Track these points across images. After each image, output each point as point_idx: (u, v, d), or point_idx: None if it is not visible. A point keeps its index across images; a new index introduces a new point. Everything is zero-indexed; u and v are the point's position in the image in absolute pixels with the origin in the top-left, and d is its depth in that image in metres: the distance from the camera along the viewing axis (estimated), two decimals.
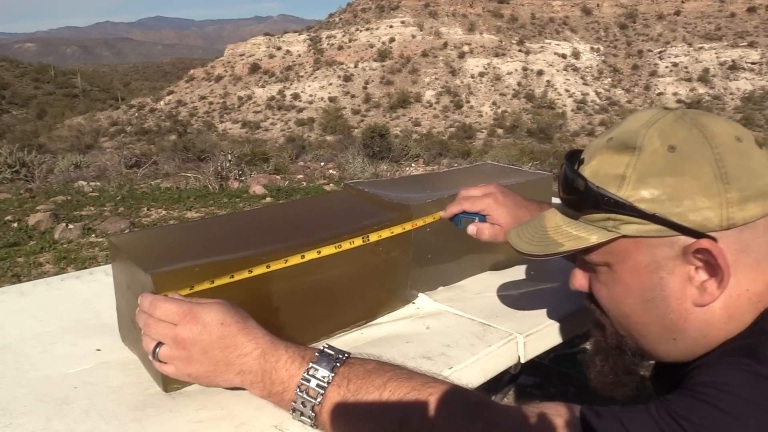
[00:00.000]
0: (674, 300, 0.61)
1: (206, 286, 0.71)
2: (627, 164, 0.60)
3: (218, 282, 0.72)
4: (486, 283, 1.08)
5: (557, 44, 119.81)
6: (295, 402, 0.62)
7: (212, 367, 0.65)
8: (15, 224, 5.12)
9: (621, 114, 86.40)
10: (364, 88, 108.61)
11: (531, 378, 2.46)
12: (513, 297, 1.02)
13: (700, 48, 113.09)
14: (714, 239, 0.57)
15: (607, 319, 0.69)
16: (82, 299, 0.99)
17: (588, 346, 2.92)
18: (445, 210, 0.96)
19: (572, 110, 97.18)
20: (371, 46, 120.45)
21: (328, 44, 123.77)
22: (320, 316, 0.86)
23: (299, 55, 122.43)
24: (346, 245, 0.84)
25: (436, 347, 0.84)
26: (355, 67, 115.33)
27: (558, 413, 0.56)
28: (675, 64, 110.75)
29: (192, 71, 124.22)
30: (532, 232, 0.71)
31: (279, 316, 0.79)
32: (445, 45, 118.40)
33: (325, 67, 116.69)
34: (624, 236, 0.60)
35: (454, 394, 0.60)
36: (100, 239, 4.70)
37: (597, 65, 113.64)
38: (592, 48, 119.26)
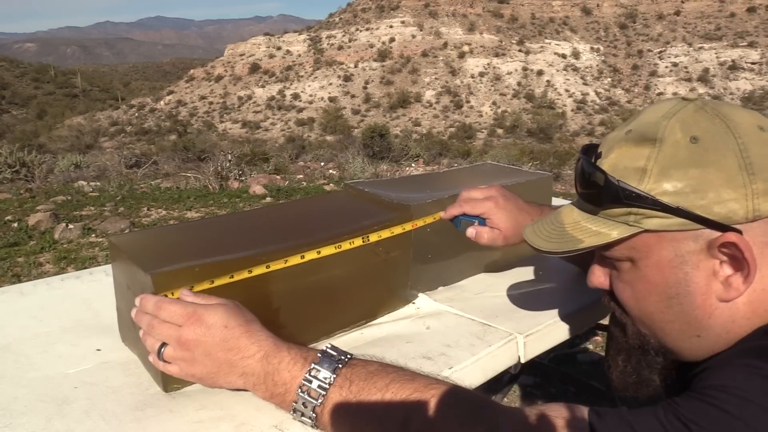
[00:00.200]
0: (699, 296, 0.59)
1: (206, 286, 0.71)
2: (648, 157, 0.58)
3: (218, 282, 0.72)
4: (486, 283, 1.08)
5: (557, 44, 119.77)
6: (296, 403, 0.62)
7: (215, 368, 0.65)
8: (15, 224, 5.12)
9: (621, 114, 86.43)
10: (364, 88, 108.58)
11: (531, 378, 2.46)
12: (513, 297, 1.02)
13: (700, 48, 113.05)
14: (740, 232, 0.56)
15: (629, 318, 0.67)
16: (82, 299, 0.99)
17: (589, 345, 2.91)
18: (446, 211, 0.96)
19: (572, 110, 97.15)
20: (371, 46, 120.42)
21: (328, 44, 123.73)
22: (320, 316, 0.86)
23: (299, 55, 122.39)
24: (346, 245, 0.84)
25: (436, 347, 0.84)
26: (355, 67, 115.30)
27: (560, 415, 0.56)
28: (675, 64, 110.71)
29: (192, 71, 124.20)
30: (549, 228, 0.69)
31: (279, 316, 0.79)
32: (445, 45, 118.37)
33: (325, 67, 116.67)
34: (646, 231, 0.59)
35: (457, 395, 0.60)
36: (100, 239, 4.69)
37: (597, 65, 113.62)
38: (592, 48, 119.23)
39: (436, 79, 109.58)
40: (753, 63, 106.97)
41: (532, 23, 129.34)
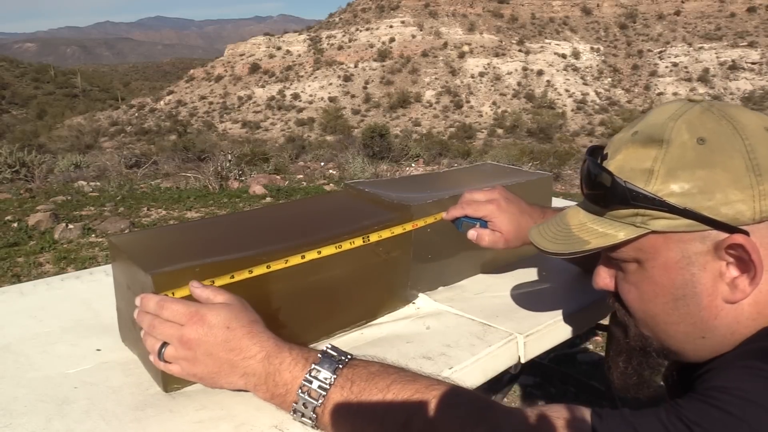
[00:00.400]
0: (705, 297, 0.59)
1: (208, 285, 0.71)
2: (654, 158, 0.58)
3: (218, 282, 0.72)
4: (486, 283, 1.08)
5: (557, 44, 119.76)
6: (296, 403, 0.62)
7: (216, 368, 0.65)
8: (15, 224, 5.12)
9: (621, 114, 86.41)
10: (364, 88, 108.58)
11: (531, 378, 2.46)
12: (513, 297, 1.02)
13: (700, 48, 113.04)
14: (746, 233, 0.56)
15: (632, 320, 0.67)
16: (82, 299, 0.99)
17: (589, 345, 2.91)
18: (448, 212, 0.96)
19: (572, 110, 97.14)
20: (371, 46, 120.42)
21: (328, 44, 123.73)
22: (320, 316, 0.86)
23: (299, 55, 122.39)
24: (346, 245, 0.84)
25: (436, 347, 0.84)
26: (355, 67, 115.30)
27: (561, 415, 0.56)
28: (675, 64, 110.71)
29: (192, 71, 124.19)
30: (555, 230, 0.69)
31: (279, 316, 0.78)
32: (445, 45, 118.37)
33: (325, 67, 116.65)
34: (653, 232, 0.59)
35: (459, 396, 0.60)
36: (100, 239, 4.69)
37: (597, 65, 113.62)
38: (592, 48, 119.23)
39: (436, 79, 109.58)
40: (753, 63, 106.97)
41: (532, 23, 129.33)
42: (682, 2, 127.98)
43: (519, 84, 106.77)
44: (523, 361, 0.89)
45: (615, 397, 1.46)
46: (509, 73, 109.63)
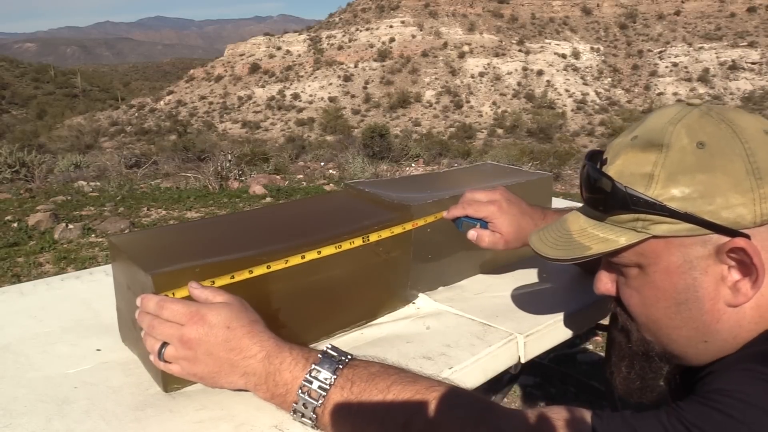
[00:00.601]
0: (708, 301, 0.59)
1: (207, 286, 0.71)
2: (654, 162, 0.58)
3: (219, 282, 0.72)
4: (486, 283, 1.08)
5: (557, 44, 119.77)
6: (296, 403, 0.62)
7: (217, 368, 0.65)
8: (15, 224, 5.12)
9: (621, 114, 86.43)
10: (364, 88, 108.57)
11: (531, 378, 2.46)
12: (513, 297, 1.02)
13: (700, 48, 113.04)
14: (748, 237, 0.56)
15: (634, 324, 0.67)
16: (82, 299, 0.99)
17: (589, 345, 2.91)
18: (448, 211, 0.96)
19: (572, 110, 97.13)
20: (371, 46, 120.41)
21: (328, 44, 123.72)
22: (320, 316, 0.86)
23: (299, 55, 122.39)
24: (346, 245, 0.84)
25: (436, 347, 0.84)
26: (355, 67, 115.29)
27: (562, 417, 0.56)
28: (675, 64, 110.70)
29: (192, 71, 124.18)
30: (556, 235, 0.68)
31: (279, 317, 0.79)
32: (445, 45, 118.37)
33: (325, 67, 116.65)
34: (654, 237, 0.59)
35: (459, 397, 0.60)
36: (100, 239, 4.69)
37: (597, 65, 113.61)
38: (592, 48, 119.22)
39: (436, 79, 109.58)
40: (753, 63, 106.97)
41: (532, 23, 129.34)
42: (682, 2, 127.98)
43: (519, 84, 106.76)
44: (523, 361, 0.89)
45: (615, 398, 1.46)
46: (509, 73, 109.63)
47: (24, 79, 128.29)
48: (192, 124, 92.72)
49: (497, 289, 1.06)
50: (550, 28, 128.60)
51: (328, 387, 0.62)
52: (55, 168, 9.73)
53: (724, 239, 0.57)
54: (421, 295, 1.01)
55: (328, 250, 0.82)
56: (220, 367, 0.65)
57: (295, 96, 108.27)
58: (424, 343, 0.85)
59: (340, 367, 0.63)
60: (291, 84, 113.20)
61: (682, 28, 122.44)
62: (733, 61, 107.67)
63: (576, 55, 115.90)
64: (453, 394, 0.60)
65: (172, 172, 9.52)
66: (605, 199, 0.61)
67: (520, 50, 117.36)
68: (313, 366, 0.63)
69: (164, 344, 0.66)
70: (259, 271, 0.75)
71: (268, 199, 6.63)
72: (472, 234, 0.94)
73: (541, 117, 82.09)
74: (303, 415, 0.62)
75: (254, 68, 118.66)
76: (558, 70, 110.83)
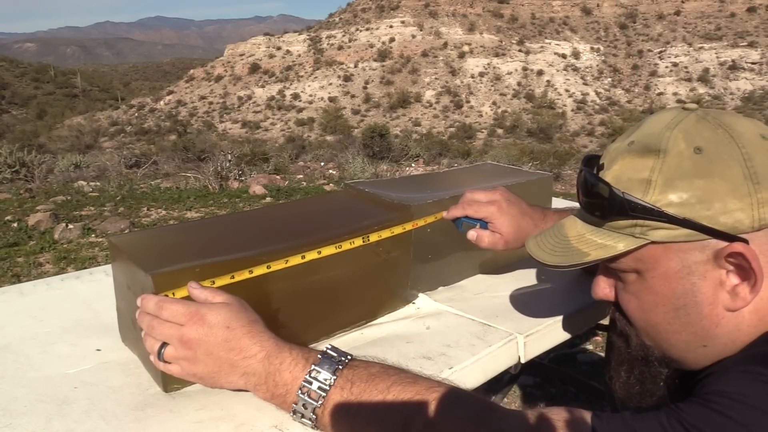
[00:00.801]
0: (706, 306, 0.59)
1: (206, 286, 0.71)
2: (652, 168, 0.58)
3: (219, 282, 0.72)
4: (486, 283, 1.08)
5: (557, 44, 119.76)
6: (296, 404, 0.62)
7: (217, 368, 0.65)
8: (15, 224, 5.12)
9: (621, 114, 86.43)
10: (364, 88, 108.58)
11: (531, 378, 2.46)
12: (513, 297, 1.02)
13: (700, 48, 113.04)
14: (746, 241, 0.56)
15: (633, 329, 0.67)
16: (82, 299, 0.99)
17: (589, 345, 2.91)
18: (448, 211, 0.96)
19: (572, 110, 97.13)
20: (371, 46, 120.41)
21: (328, 44, 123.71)
22: (321, 316, 0.86)
23: (299, 55, 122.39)
24: (346, 245, 0.84)
25: (436, 347, 0.84)
26: (355, 67, 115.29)
27: (562, 418, 0.56)
28: (675, 64, 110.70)
29: (192, 71, 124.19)
30: (554, 242, 0.68)
31: (279, 316, 0.79)
32: (445, 45, 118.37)
33: (325, 67, 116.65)
34: (652, 242, 0.59)
35: (459, 398, 0.60)
36: (100, 239, 4.69)
37: (597, 65, 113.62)
38: (592, 48, 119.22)
39: (436, 79, 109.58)
40: (753, 63, 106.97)
41: (532, 23, 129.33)
42: (682, 2, 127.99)
43: (519, 84, 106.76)
44: (523, 361, 0.89)
45: (615, 398, 1.46)
46: (509, 73, 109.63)
47: (24, 79, 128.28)
48: (192, 124, 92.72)
49: (497, 289, 1.06)
50: (550, 28, 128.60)
51: (327, 388, 0.61)
52: (55, 168, 9.73)
53: (723, 244, 0.57)
54: (421, 295, 1.01)
55: (328, 250, 0.82)
56: (220, 367, 0.65)
57: (295, 96, 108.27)
58: (424, 343, 0.85)
59: (340, 367, 0.63)
60: (291, 84, 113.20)
61: (682, 28, 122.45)
62: (733, 61, 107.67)
63: (576, 55, 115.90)
64: (453, 395, 0.60)
65: (172, 172, 9.53)
66: (603, 204, 0.61)
67: (520, 50, 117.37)
68: (313, 366, 0.63)
69: (164, 344, 0.66)
70: (259, 271, 0.75)
71: (268, 199, 6.63)
72: (471, 234, 0.94)
73: (541, 117, 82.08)
74: (303, 416, 0.62)
75: (254, 68, 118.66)
76: (558, 70, 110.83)
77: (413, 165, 11.98)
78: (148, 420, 0.66)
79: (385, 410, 0.60)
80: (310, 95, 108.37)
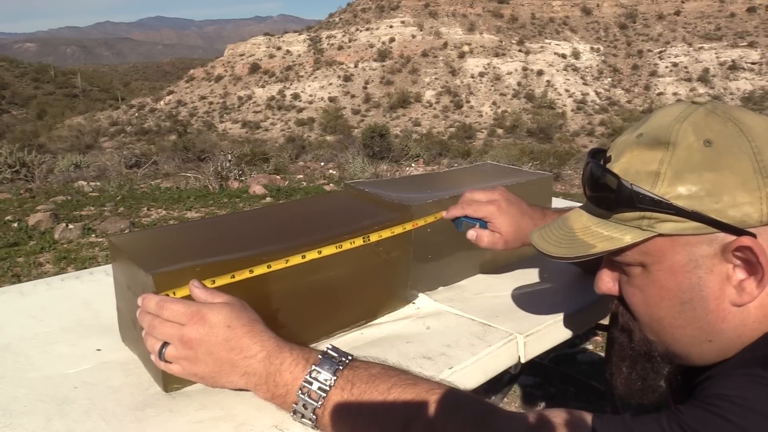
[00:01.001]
0: (713, 300, 0.59)
1: (207, 285, 0.71)
2: (660, 160, 0.58)
3: (219, 282, 0.72)
4: (486, 283, 1.08)
5: (557, 44, 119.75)
6: (296, 404, 0.62)
7: (217, 368, 0.65)
8: (15, 224, 5.12)
9: (621, 114, 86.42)
10: (364, 88, 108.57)
11: (531, 378, 2.46)
12: (513, 297, 1.02)
13: (700, 48, 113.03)
14: (754, 235, 0.55)
15: (637, 324, 0.66)
16: (82, 299, 0.99)
17: (589, 345, 2.91)
18: (448, 211, 0.96)
19: (572, 110, 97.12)
20: (371, 46, 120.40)
21: (328, 44, 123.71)
22: (321, 315, 0.86)
23: (299, 55, 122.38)
24: (346, 245, 0.84)
25: (436, 347, 0.84)
26: (355, 67, 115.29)
27: (563, 420, 0.56)
28: (675, 64, 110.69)
29: (192, 71, 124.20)
30: (558, 234, 0.68)
31: (279, 316, 0.79)
32: (445, 45, 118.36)
33: (325, 67, 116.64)
34: (660, 235, 0.58)
35: (459, 400, 0.60)
36: (100, 239, 4.69)
37: (597, 65, 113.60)
38: (592, 48, 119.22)
39: (436, 79, 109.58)
40: (753, 63, 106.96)
41: (532, 23, 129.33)
42: (682, 2, 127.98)
43: (519, 84, 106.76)
44: (523, 361, 0.89)
45: (615, 398, 1.46)
46: (509, 73, 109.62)
47: (24, 79, 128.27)
48: (192, 124, 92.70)
49: (497, 289, 1.06)
50: (550, 28, 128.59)
51: (327, 388, 0.61)
52: (55, 168, 9.73)
53: (730, 238, 0.56)
54: (421, 295, 1.01)
55: (328, 250, 0.82)
56: (221, 367, 0.65)
57: (295, 96, 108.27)
58: (424, 343, 0.85)
59: (341, 368, 0.63)
60: (291, 84, 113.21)
61: (682, 28, 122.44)
62: (733, 61, 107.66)
63: (576, 55, 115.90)
64: (453, 397, 0.60)
65: (172, 172, 9.52)
66: (610, 196, 0.60)
67: (520, 50, 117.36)
68: (313, 367, 0.63)
69: (165, 344, 0.66)
70: (260, 270, 0.75)
71: (268, 199, 6.62)
72: (471, 234, 0.94)
73: (541, 117, 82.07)
74: (303, 416, 0.62)
75: (254, 68, 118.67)
76: (558, 70, 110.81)
77: (413, 165, 11.98)
78: (148, 420, 0.66)
79: (385, 412, 0.59)
80: (310, 95, 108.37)
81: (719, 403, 0.51)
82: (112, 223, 5.12)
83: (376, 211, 0.96)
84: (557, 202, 1.44)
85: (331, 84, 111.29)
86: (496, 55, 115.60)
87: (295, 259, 0.78)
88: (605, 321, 1.25)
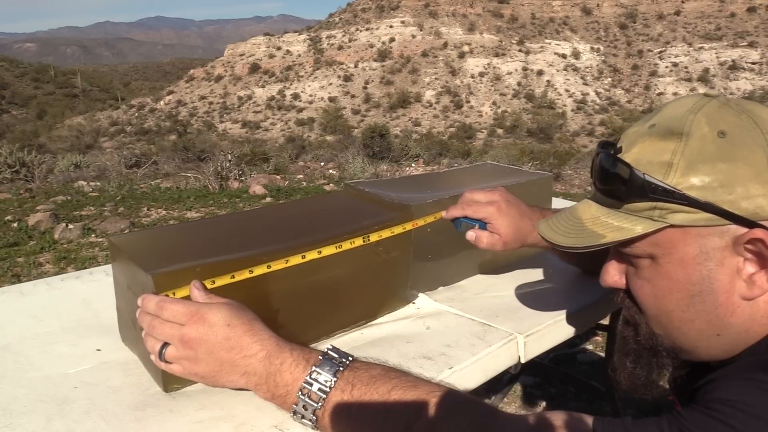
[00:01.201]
0: (722, 294, 0.58)
1: (207, 286, 0.71)
2: (673, 151, 0.57)
3: (219, 282, 0.72)
4: (486, 283, 1.08)
5: (557, 44, 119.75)
6: (296, 405, 0.62)
7: (218, 367, 0.65)
8: (15, 224, 5.12)
9: (621, 114, 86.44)
10: (364, 88, 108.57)
11: (531, 378, 2.45)
12: (513, 297, 1.02)
13: (700, 48, 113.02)
14: (766, 228, 0.55)
15: (643, 317, 0.65)
16: (82, 299, 0.99)
17: (589, 345, 2.91)
18: (447, 211, 0.96)
19: (572, 110, 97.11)
20: (371, 46, 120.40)
21: (328, 44, 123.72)
22: (321, 316, 0.86)
23: (299, 55, 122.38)
24: (346, 245, 0.84)
25: (436, 347, 0.84)
26: (355, 67, 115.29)
27: (564, 423, 0.56)
28: (675, 64, 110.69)
29: (192, 71, 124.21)
30: (566, 224, 0.67)
31: (279, 316, 0.78)
32: (445, 45, 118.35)
33: (325, 67, 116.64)
34: (671, 226, 0.58)
35: (460, 403, 0.60)
36: (100, 239, 4.69)
37: (597, 65, 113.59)
38: (592, 48, 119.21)
39: (436, 79, 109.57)
40: (753, 63, 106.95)
41: (532, 23, 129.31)
42: (682, 2, 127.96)
43: (519, 84, 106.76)
44: (523, 361, 0.89)
45: (615, 398, 1.46)
46: (509, 73, 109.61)
47: (24, 79, 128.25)
48: (192, 124, 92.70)
49: (497, 289, 1.06)
50: (550, 28, 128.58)
51: (328, 390, 0.61)
52: (55, 168, 9.73)
53: (742, 230, 0.56)
54: (421, 295, 1.01)
55: (328, 250, 0.82)
56: (221, 366, 0.65)
57: (295, 96, 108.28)
58: (424, 343, 0.85)
59: (341, 369, 0.63)
60: (291, 84, 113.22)
61: (682, 28, 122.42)
62: (733, 61, 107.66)
63: (576, 55, 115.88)
64: (454, 400, 0.60)
65: (172, 172, 9.52)
66: (622, 187, 0.60)
67: (520, 50, 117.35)
68: (314, 368, 0.63)
69: (165, 344, 0.66)
70: (260, 270, 0.75)
71: (268, 199, 6.62)
72: (470, 235, 0.94)
73: (541, 117, 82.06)
74: (303, 417, 0.62)
75: (254, 68, 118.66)
76: (558, 70, 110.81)
77: (413, 165, 11.98)
78: (148, 420, 0.66)
79: (385, 414, 0.59)
80: (310, 95, 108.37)
81: (721, 408, 0.51)
82: (112, 223, 5.12)
83: (376, 211, 0.96)
84: (557, 202, 1.44)
85: (331, 84, 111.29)
86: (496, 55, 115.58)
87: (295, 259, 0.78)
88: (605, 321, 1.26)
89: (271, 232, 0.88)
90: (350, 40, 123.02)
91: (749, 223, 0.55)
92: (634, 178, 0.58)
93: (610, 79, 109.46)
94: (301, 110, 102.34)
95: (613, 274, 0.67)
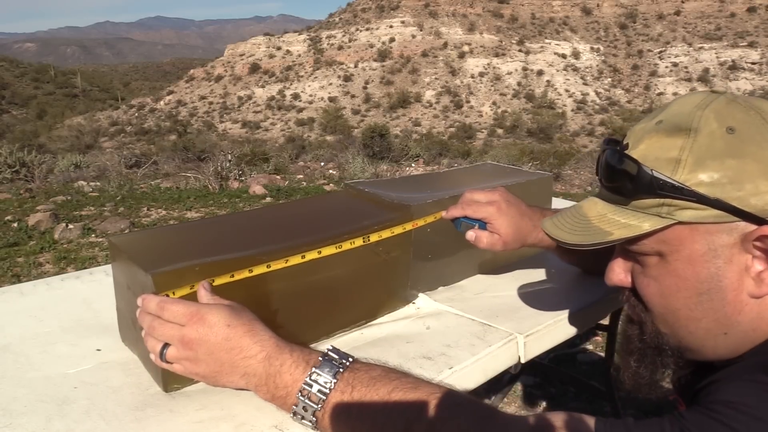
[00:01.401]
0: (731, 291, 0.57)
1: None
2: (681, 147, 0.56)
3: (219, 282, 0.72)
4: (486, 283, 1.08)
5: (557, 44, 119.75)
6: (296, 406, 0.62)
7: (218, 367, 0.65)
8: (15, 224, 5.12)
9: (621, 114, 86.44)
10: (364, 88, 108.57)
11: (531, 378, 2.45)
12: (513, 297, 1.02)
13: (700, 48, 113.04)
14: None
15: (649, 316, 0.65)
16: (82, 299, 0.99)
17: (589, 345, 2.91)
18: (447, 211, 0.95)
19: (572, 110, 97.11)
20: (371, 46, 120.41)
21: (328, 44, 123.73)
22: (320, 316, 0.86)
23: (299, 55, 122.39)
24: (346, 245, 0.84)
25: (436, 347, 0.84)
26: (355, 67, 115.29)
27: (565, 424, 0.55)
28: (675, 64, 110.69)
29: (192, 71, 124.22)
30: (572, 221, 0.66)
31: (279, 316, 0.78)
32: (445, 45, 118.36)
33: (325, 67, 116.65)
34: (679, 223, 0.57)
35: (460, 405, 0.60)
36: (100, 239, 4.69)
37: (597, 65, 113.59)
38: (592, 48, 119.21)
39: (436, 79, 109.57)
40: (753, 63, 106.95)
41: (532, 23, 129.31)
42: (682, 2, 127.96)
43: (519, 84, 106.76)
44: (523, 361, 0.89)
45: (616, 398, 1.46)
46: (509, 73, 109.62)
47: (24, 79, 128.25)
48: (192, 124, 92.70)
49: (497, 289, 1.06)
50: (550, 28, 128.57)
51: (327, 391, 0.61)
52: (55, 168, 9.73)
53: (751, 227, 0.55)
54: (421, 295, 1.01)
55: (328, 250, 0.82)
56: (221, 367, 0.65)
57: (295, 96, 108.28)
58: (424, 343, 0.85)
59: (341, 370, 0.62)
60: (291, 84, 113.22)
61: (682, 28, 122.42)
62: (733, 61, 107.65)
63: (576, 55, 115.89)
64: (454, 402, 0.60)
65: (172, 172, 9.52)
66: (629, 183, 0.59)
67: (520, 50, 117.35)
68: (314, 369, 0.63)
69: (166, 345, 0.66)
70: (259, 270, 0.75)
71: (268, 199, 6.62)
72: (470, 235, 0.94)
73: (541, 117, 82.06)
74: (303, 418, 0.62)
75: (254, 68, 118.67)
76: (558, 70, 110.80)
77: (413, 165, 11.97)
78: (148, 420, 0.66)
79: (385, 416, 0.59)
80: (310, 95, 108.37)
81: (722, 410, 0.51)
82: (112, 223, 5.12)
83: (376, 211, 0.96)
84: (557, 202, 1.44)
85: (331, 84, 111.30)
86: (496, 55, 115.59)
87: (295, 259, 0.78)
88: (605, 321, 1.26)
89: (270, 231, 0.88)
90: (350, 40, 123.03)
91: (758, 220, 0.55)
92: (642, 175, 0.57)
93: (610, 79, 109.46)
94: (301, 110, 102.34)
95: (619, 273, 0.66)
